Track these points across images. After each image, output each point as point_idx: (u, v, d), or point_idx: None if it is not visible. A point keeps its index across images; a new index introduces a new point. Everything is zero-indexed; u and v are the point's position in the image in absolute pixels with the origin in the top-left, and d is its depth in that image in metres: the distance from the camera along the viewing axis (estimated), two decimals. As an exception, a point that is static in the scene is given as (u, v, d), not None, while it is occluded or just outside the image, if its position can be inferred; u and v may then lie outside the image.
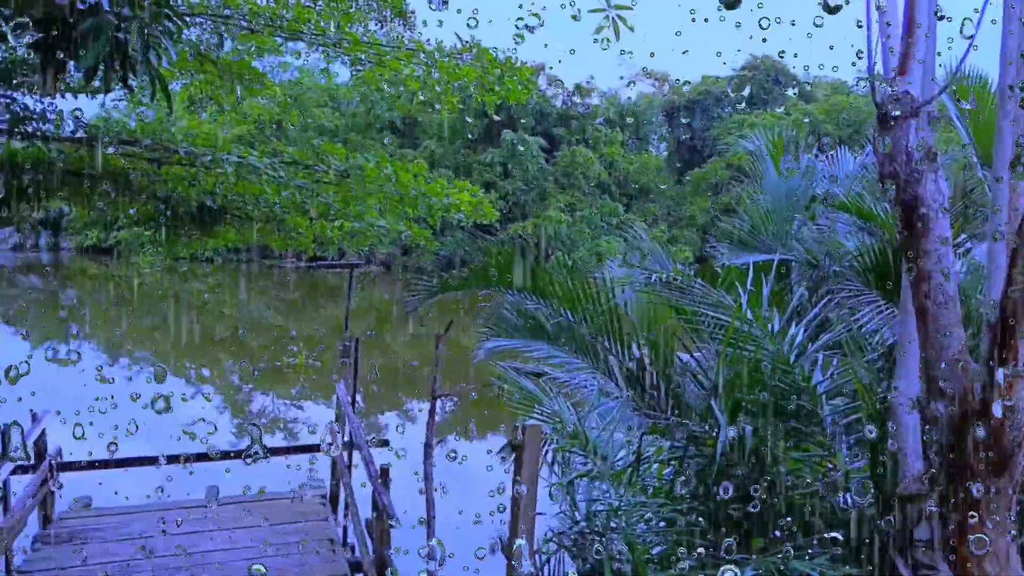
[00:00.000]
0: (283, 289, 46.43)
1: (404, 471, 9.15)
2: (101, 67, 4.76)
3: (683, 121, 56.16)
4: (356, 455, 9.55)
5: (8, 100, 7.84)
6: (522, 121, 50.45)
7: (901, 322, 4.37)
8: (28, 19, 4.85)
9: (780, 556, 4.48)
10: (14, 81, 7.42)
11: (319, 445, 11.67)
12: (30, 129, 8.01)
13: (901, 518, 4.23)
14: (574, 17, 3.81)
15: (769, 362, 5.45)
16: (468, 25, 9.67)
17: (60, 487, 9.36)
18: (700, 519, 5.23)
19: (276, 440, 16.80)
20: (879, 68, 3.98)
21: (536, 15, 3.85)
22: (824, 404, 5.52)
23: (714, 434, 5.29)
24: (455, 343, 18.66)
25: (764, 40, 3.76)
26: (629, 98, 56.74)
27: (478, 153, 50.62)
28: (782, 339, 5.54)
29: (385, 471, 8.31)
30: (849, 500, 5.35)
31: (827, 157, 8.86)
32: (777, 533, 4.89)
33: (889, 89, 3.78)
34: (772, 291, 6.06)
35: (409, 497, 8.50)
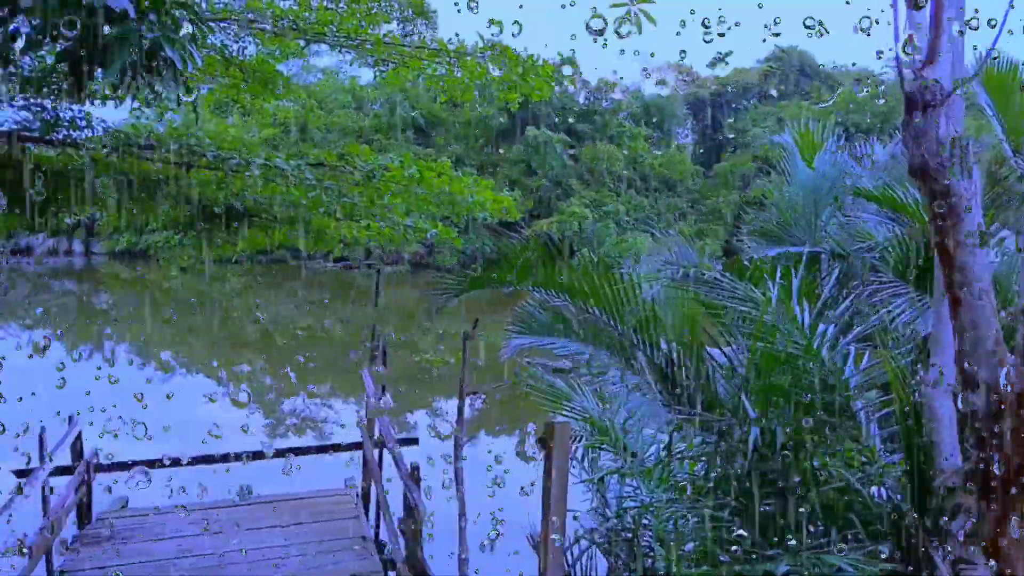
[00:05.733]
0: (331, 289, 46.39)
1: (434, 468, 9.15)
2: (128, 74, 4.81)
3: (709, 113, 55.77)
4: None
5: (39, 108, 7.97)
6: (556, 120, 50.38)
7: (934, 314, 4.31)
8: (56, 28, 4.92)
9: (814, 551, 4.43)
10: (44, 89, 7.54)
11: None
12: (60, 136, 8.13)
13: (937, 512, 4.17)
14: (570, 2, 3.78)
15: (800, 356, 5.39)
16: (488, 33, 9.69)
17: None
18: (732, 515, 5.19)
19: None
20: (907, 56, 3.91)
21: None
22: (857, 397, 5.45)
23: (745, 429, 5.24)
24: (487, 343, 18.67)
25: (778, 35, 3.69)
26: (650, 92, 56.39)
27: (502, 150, 50.62)
28: (812, 332, 5.47)
29: (415, 469, 8.34)
30: (884, 494, 5.28)
31: (855, 146, 8.75)
32: (811, 528, 4.84)
33: (917, 78, 3.72)
34: (802, 284, 5.99)
35: (443, 493, 8.49)
